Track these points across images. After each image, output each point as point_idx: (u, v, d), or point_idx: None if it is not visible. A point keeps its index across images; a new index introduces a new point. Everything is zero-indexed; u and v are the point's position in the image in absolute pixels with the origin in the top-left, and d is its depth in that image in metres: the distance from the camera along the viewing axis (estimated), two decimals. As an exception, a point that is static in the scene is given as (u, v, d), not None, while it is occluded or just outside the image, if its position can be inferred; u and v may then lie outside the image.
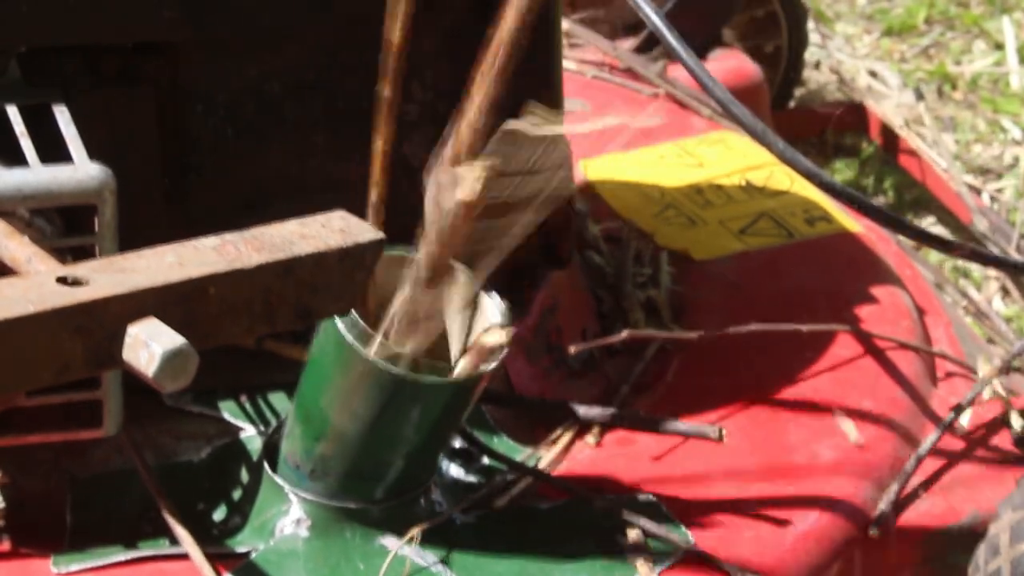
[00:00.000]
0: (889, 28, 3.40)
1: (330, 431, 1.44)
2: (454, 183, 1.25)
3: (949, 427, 1.68)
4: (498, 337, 1.42)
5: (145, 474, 1.48)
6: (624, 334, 1.67)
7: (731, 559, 1.49)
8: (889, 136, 2.79)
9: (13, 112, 1.42)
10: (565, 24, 2.51)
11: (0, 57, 1.46)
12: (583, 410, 1.64)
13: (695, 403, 1.69)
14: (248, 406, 1.59)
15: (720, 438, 1.54)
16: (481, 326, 1.49)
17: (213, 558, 1.45)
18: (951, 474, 1.65)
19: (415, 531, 1.46)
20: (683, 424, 1.60)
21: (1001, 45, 3.28)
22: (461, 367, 1.45)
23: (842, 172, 2.86)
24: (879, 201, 2.79)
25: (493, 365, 1.44)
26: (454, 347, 1.52)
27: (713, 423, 1.66)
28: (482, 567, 1.46)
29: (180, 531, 1.44)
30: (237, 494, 1.51)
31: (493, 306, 1.49)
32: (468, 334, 1.52)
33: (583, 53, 2.53)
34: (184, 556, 1.44)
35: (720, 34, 2.66)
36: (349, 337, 1.40)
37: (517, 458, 1.60)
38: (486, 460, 1.58)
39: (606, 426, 1.64)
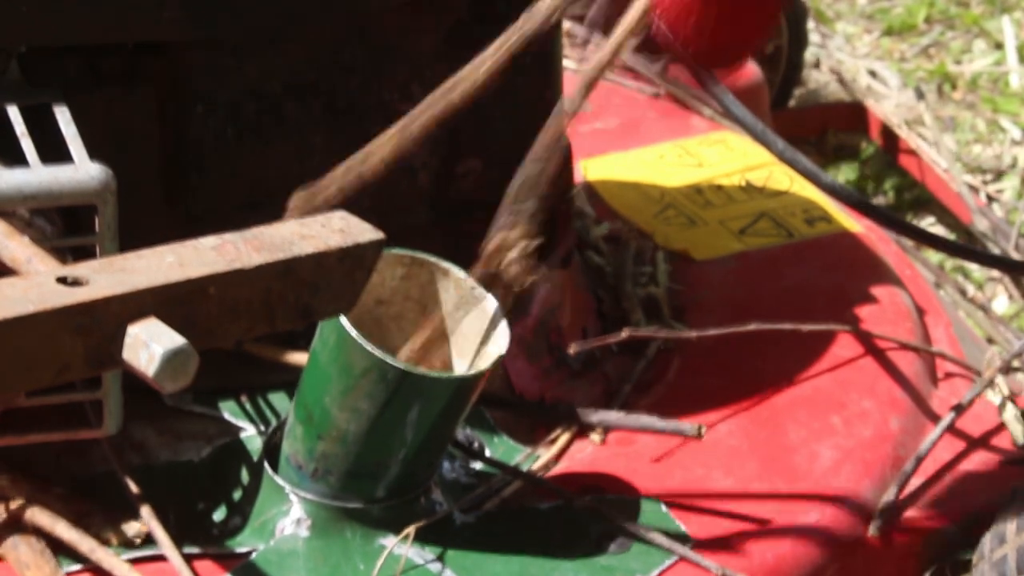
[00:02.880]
0: (889, 28, 3.40)
1: (333, 429, 1.45)
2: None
3: (949, 427, 1.68)
4: (523, 247, 1.42)
5: (122, 475, 1.48)
6: (624, 333, 1.67)
7: (731, 559, 1.49)
8: (889, 136, 2.79)
9: (14, 112, 1.42)
10: (565, 23, 2.51)
11: (1, 57, 1.46)
12: (563, 409, 1.63)
13: (695, 403, 1.69)
14: (248, 406, 1.59)
15: (699, 435, 1.54)
16: (479, 320, 1.50)
17: (213, 558, 1.45)
18: (951, 474, 1.65)
19: (411, 529, 1.46)
20: (660, 421, 1.59)
21: (1001, 45, 3.28)
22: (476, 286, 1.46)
23: (842, 172, 2.85)
24: (879, 201, 2.79)
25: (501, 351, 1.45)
26: (452, 342, 1.52)
27: (713, 423, 1.66)
28: (482, 567, 1.46)
29: (160, 534, 1.44)
30: (237, 494, 1.51)
31: (488, 299, 1.49)
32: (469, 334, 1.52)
33: (583, 52, 2.53)
34: (186, 556, 1.44)
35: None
36: (353, 332, 1.40)
37: (516, 458, 1.60)
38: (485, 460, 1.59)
39: (599, 426, 1.64)
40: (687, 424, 1.56)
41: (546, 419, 1.65)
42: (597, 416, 1.60)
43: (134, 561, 1.44)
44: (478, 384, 1.45)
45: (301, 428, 1.47)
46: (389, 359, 1.40)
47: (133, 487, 1.48)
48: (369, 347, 1.40)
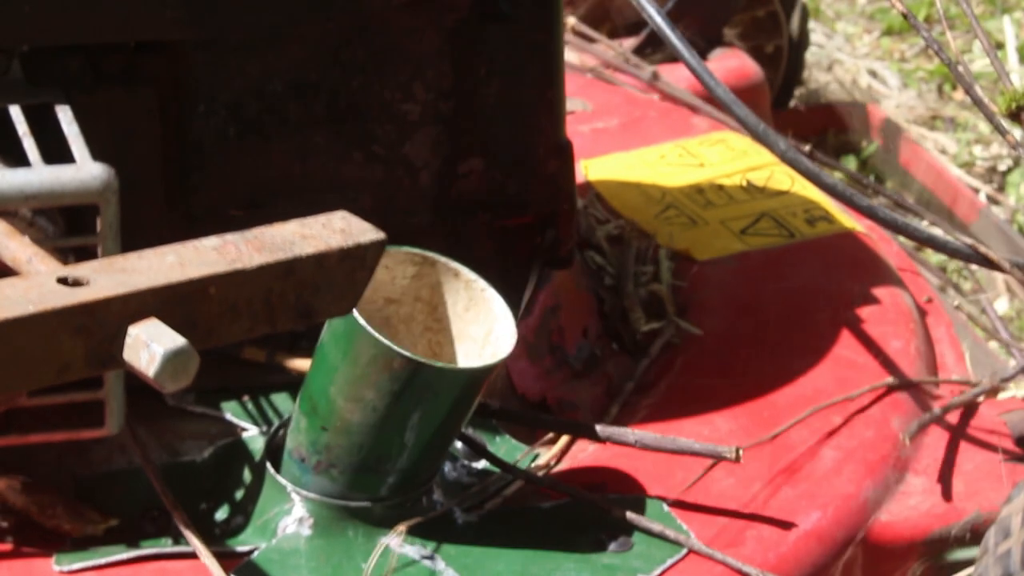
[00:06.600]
0: (889, 28, 3.40)
1: (337, 420, 1.45)
2: None
3: (949, 427, 1.68)
4: None
5: (151, 473, 1.48)
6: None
7: (732, 558, 1.49)
8: (889, 136, 2.80)
9: (16, 112, 1.42)
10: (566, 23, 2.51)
11: (2, 57, 1.47)
12: (600, 429, 1.60)
13: (697, 403, 1.69)
14: (250, 406, 1.59)
15: (737, 458, 1.52)
16: (487, 322, 1.50)
17: (215, 557, 1.45)
18: (951, 474, 1.65)
19: (403, 526, 1.46)
20: (698, 444, 1.56)
21: (1001, 45, 3.28)
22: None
23: (842, 172, 2.85)
24: (879, 202, 2.79)
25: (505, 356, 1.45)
26: (459, 344, 1.52)
27: (713, 422, 1.66)
28: (483, 565, 1.47)
29: (188, 533, 1.44)
30: (240, 493, 1.51)
31: (497, 300, 1.49)
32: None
33: (584, 52, 2.53)
34: (186, 555, 1.44)
35: (721, 34, 2.66)
36: (362, 320, 1.40)
37: (518, 456, 1.60)
38: (486, 461, 1.58)
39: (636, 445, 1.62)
40: (725, 448, 1.53)
41: (571, 435, 1.63)
42: (634, 436, 1.57)
43: (157, 557, 1.44)
44: (484, 379, 1.45)
45: (305, 420, 1.47)
46: (396, 347, 1.41)
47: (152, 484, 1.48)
48: (376, 335, 1.40)
